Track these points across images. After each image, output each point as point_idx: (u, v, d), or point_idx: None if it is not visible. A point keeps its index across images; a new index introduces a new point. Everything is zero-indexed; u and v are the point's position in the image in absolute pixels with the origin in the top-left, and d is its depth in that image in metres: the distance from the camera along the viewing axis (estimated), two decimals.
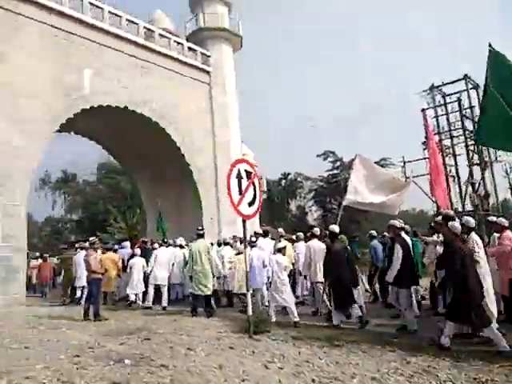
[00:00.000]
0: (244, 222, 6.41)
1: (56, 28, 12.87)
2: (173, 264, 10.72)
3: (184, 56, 16.90)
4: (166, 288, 10.02)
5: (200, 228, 8.91)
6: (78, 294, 10.83)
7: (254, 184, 6.39)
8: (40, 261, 15.17)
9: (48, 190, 36.16)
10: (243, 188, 6.22)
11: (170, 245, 11.13)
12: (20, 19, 12.04)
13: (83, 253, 10.49)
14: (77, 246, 11.84)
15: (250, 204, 6.31)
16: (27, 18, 12.19)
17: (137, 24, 15.34)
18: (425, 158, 16.04)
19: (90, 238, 8.84)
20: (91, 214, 34.12)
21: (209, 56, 18.03)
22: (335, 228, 7.19)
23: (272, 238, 9.69)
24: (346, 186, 9.09)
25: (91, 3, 13.90)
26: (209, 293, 8.22)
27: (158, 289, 10.14)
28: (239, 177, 6.20)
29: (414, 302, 6.76)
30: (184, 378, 4.11)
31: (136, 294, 10.25)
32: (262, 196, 6.61)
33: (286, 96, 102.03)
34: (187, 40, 18.12)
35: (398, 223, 6.65)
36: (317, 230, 8.71)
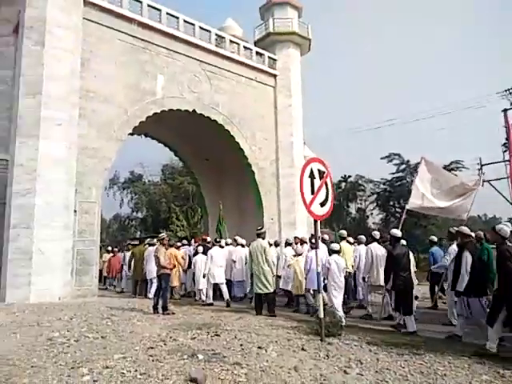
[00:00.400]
0: (316, 222, 6.26)
1: (135, 37, 13.61)
2: (234, 261, 11.03)
3: (252, 60, 17.18)
4: (225, 285, 10.27)
5: (259, 228, 8.99)
6: (149, 286, 11.24)
7: (326, 184, 6.21)
8: (110, 255, 15.99)
9: (116, 189, 38.33)
10: (316, 188, 6.05)
11: (229, 244, 11.55)
12: (103, 29, 12.87)
13: (152, 248, 10.98)
14: (146, 241, 12.33)
15: (322, 204, 6.13)
16: (110, 28, 13.01)
17: (209, 31, 15.82)
18: (505, 161, 14.80)
19: (160, 235, 9.12)
20: (155, 212, 35.64)
21: (275, 60, 18.17)
22: (397, 232, 7.09)
23: (325, 242, 9.49)
24: (411, 190, 8.81)
25: (168, 13, 14.56)
26: (267, 291, 8.23)
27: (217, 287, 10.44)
28: (312, 176, 6.05)
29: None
30: (259, 377, 4.06)
31: (200, 290, 10.50)
32: (334, 196, 6.40)
33: (348, 96, 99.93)
34: (256, 45, 18.43)
35: (466, 229, 6.30)
36: (376, 234, 8.65)
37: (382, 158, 35.75)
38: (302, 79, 18.98)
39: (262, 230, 8.79)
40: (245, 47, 17.21)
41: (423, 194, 8.40)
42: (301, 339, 5.83)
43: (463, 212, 8.68)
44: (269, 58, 17.97)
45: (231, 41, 16.71)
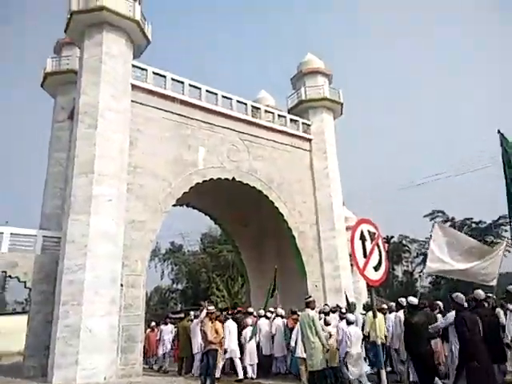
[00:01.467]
0: (370, 288, 5.89)
1: (178, 114, 14.58)
2: (274, 335, 10.48)
3: (286, 127, 17.84)
4: (238, 360, 9.95)
5: (307, 297, 8.56)
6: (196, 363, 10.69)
7: (378, 246, 5.93)
8: (148, 330, 15.11)
9: (157, 261, 38.59)
10: (368, 250, 5.78)
11: (267, 316, 11.13)
12: (149, 109, 13.91)
13: (196, 321, 10.59)
14: (192, 313, 11.98)
15: (376, 268, 5.81)
16: (155, 108, 14.05)
17: (245, 104, 16.78)
18: None
19: (209, 308, 8.76)
20: (195, 283, 35.31)
21: (309, 125, 18.76)
22: (413, 300, 7.01)
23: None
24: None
25: (207, 90, 15.66)
26: (316, 368, 7.49)
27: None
28: (363, 238, 5.80)
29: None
30: None
31: (252, 365, 10.01)
32: (388, 259, 6.09)
33: (385, 154, 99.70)
34: (289, 112, 19.22)
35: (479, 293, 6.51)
36: (403, 300, 8.38)
37: (424, 216, 34.68)
38: (337, 139, 19.33)
39: (311, 299, 8.21)
40: (279, 115, 17.94)
41: (439, 258, 8.57)
42: None
43: (490, 278, 8.65)
44: (303, 123, 18.56)
45: (266, 110, 17.54)
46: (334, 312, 10.06)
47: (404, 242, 38.59)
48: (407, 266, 38.87)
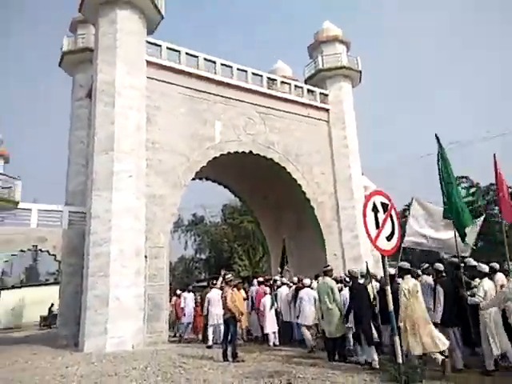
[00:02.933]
0: (383, 257, 6.02)
1: (193, 89, 14.63)
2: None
3: (303, 98, 17.61)
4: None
5: (326, 265, 8.83)
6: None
7: (391, 216, 6.01)
8: (174, 298, 15.18)
9: (181, 232, 39.52)
10: (380, 221, 5.88)
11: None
12: (165, 85, 14.00)
13: (215, 290, 10.58)
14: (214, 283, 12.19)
15: (389, 238, 5.92)
16: (171, 84, 14.13)
17: (261, 76, 16.63)
18: None
19: (227, 276, 8.86)
20: (217, 252, 36.16)
21: (327, 95, 18.45)
22: (355, 271, 7.71)
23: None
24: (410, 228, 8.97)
25: (222, 64, 15.56)
26: (334, 336, 7.72)
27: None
28: (375, 210, 5.91)
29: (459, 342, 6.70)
30: None
31: (274, 333, 10.25)
32: (401, 229, 6.18)
33: (410, 120, 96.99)
34: (306, 82, 18.94)
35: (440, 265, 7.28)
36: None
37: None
38: (357, 110, 18.99)
39: (329, 268, 8.53)
40: (296, 86, 17.67)
41: (417, 231, 8.82)
42: None
43: (464, 250, 8.73)
44: (320, 93, 18.27)
45: (282, 81, 17.30)
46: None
47: None
48: None
